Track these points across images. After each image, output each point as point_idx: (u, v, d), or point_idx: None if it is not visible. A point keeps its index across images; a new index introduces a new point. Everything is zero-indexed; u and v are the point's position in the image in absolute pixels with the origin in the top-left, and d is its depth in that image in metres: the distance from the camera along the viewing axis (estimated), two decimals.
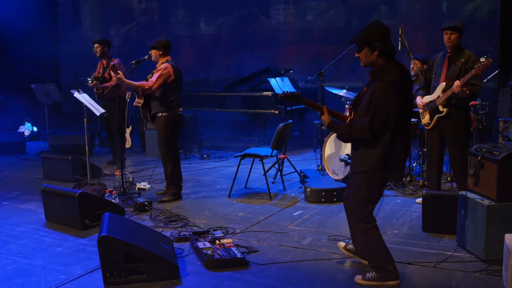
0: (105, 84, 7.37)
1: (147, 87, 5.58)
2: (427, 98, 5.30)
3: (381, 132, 3.39)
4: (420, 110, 5.39)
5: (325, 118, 3.60)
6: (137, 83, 5.62)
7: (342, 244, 4.12)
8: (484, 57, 4.75)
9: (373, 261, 3.64)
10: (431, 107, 5.23)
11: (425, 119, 5.35)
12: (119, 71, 5.60)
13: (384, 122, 3.36)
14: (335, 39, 10.54)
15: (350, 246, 4.04)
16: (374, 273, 3.62)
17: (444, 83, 5.11)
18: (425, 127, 5.42)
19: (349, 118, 3.65)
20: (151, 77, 5.69)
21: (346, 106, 6.91)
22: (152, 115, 5.79)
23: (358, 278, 3.68)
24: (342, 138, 3.62)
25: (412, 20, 9.94)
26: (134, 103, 5.81)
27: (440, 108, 5.14)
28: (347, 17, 10.82)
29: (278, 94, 3.66)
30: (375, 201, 3.68)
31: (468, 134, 5.26)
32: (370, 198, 3.61)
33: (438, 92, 5.17)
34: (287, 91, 3.66)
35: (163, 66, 5.67)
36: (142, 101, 5.74)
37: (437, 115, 5.18)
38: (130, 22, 13.59)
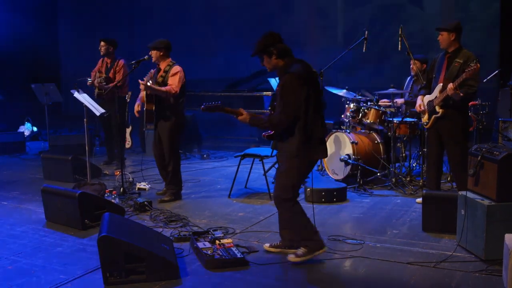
0: (110, 85, 7.33)
1: (173, 92, 5.61)
2: (427, 98, 5.32)
3: (294, 118, 3.76)
4: (418, 110, 5.41)
5: (244, 117, 3.93)
6: (164, 89, 5.61)
7: (266, 245, 4.22)
8: (474, 61, 4.79)
9: (302, 235, 3.96)
10: (430, 107, 5.26)
11: (424, 118, 5.38)
12: (148, 81, 5.58)
13: (295, 109, 3.75)
14: None
15: (275, 243, 4.22)
16: (302, 248, 3.92)
17: (441, 84, 5.13)
18: (424, 126, 5.44)
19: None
20: (162, 80, 5.67)
21: (346, 106, 6.91)
22: (158, 117, 5.76)
23: (291, 257, 3.94)
24: (265, 128, 3.98)
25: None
26: (145, 108, 5.73)
27: (437, 108, 5.17)
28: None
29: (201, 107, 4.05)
30: (301, 182, 4.07)
31: (466, 134, 5.27)
32: (296, 180, 3.96)
33: (436, 92, 5.21)
34: (207, 104, 3.96)
35: (178, 69, 5.68)
36: (154, 106, 5.70)
37: (434, 116, 5.21)
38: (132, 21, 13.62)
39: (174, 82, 5.63)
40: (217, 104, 3.93)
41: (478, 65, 4.75)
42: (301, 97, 3.77)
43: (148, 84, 5.54)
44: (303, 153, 3.85)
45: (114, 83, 7.26)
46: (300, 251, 3.94)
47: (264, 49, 3.87)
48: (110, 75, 7.47)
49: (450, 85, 4.91)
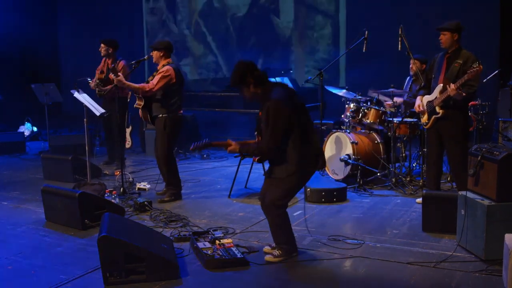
0: (108, 87, 7.32)
1: (147, 89, 5.58)
2: (426, 99, 5.33)
3: (282, 141, 3.83)
4: (417, 110, 5.41)
5: (233, 147, 3.99)
6: (137, 85, 5.62)
7: (269, 257, 4.13)
8: (476, 63, 4.79)
9: (282, 239, 4.06)
10: (429, 108, 5.26)
11: (424, 118, 5.38)
12: (119, 73, 5.60)
13: (282, 133, 3.80)
14: None
15: (276, 253, 4.14)
16: (278, 250, 4.04)
17: (441, 85, 5.13)
18: (424, 126, 5.44)
19: (257, 138, 4.08)
20: (152, 79, 5.69)
21: (346, 106, 6.91)
22: (152, 117, 5.79)
23: (269, 257, 4.04)
24: (256, 156, 4.01)
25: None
26: (134, 105, 5.81)
27: (437, 109, 5.17)
28: None
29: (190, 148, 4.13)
30: (294, 193, 4.13)
31: (466, 134, 5.27)
32: (289, 193, 4.02)
33: (436, 93, 5.20)
34: (195, 144, 4.02)
35: (165, 68, 5.65)
36: (142, 103, 5.73)
37: (433, 116, 5.21)
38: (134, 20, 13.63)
39: (153, 81, 5.62)
40: (205, 142, 3.99)
41: (481, 67, 4.75)
42: (287, 120, 3.82)
43: (118, 78, 5.58)
44: (302, 169, 3.92)
45: (112, 86, 7.28)
46: (276, 252, 4.06)
47: (240, 80, 3.91)
48: (110, 76, 7.45)
49: (452, 86, 4.91)
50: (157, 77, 5.62)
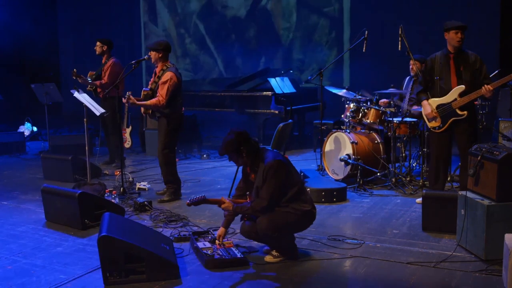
0: (94, 82, 7.37)
1: (160, 104, 5.62)
2: (435, 102, 5.22)
3: (278, 200, 3.90)
4: (430, 116, 5.24)
5: (226, 205, 4.00)
6: (149, 103, 5.65)
7: (270, 257, 4.13)
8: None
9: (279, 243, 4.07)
10: (444, 111, 5.16)
11: (433, 123, 5.25)
12: (131, 97, 5.61)
13: (278, 191, 3.88)
14: None
15: (277, 253, 4.15)
16: (276, 252, 4.08)
17: (463, 86, 5.05)
18: (434, 130, 5.29)
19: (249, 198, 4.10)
20: (155, 87, 5.68)
21: (346, 105, 6.91)
22: (157, 117, 5.81)
23: (269, 257, 4.06)
24: (249, 215, 4.05)
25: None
26: (142, 112, 5.88)
27: (459, 111, 5.08)
28: None
29: (187, 203, 4.13)
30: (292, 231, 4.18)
31: (477, 134, 5.29)
32: (290, 228, 4.06)
33: (454, 95, 5.09)
34: (192, 199, 4.05)
35: (169, 76, 5.63)
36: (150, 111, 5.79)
37: (453, 118, 5.13)
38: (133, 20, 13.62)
39: (162, 93, 5.61)
40: (201, 197, 4.03)
41: None
42: (283, 178, 3.90)
43: (131, 100, 5.61)
44: (303, 217, 4.00)
45: (102, 80, 7.30)
46: (276, 253, 4.08)
47: (235, 150, 3.97)
48: (102, 73, 7.49)
49: (489, 87, 4.87)
50: (163, 88, 5.60)
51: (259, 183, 3.94)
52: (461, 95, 5.07)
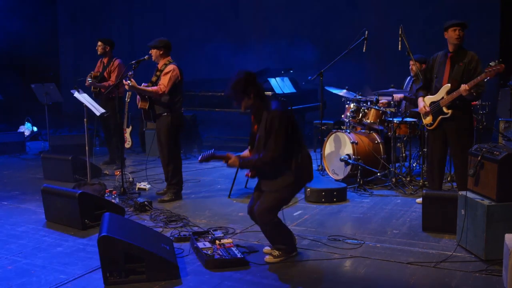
0: (102, 83, 7.37)
1: (160, 92, 5.60)
2: (429, 99, 5.28)
3: (284, 150, 3.83)
4: (423, 112, 5.34)
5: (233, 160, 3.92)
6: (150, 89, 5.62)
7: (270, 258, 4.14)
8: (495, 61, 4.74)
9: (278, 240, 4.07)
10: (434, 108, 5.21)
11: (427, 120, 5.32)
12: (131, 79, 5.58)
13: (283, 141, 3.82)
14: None
15: (277, 253, 4.16)
16: (277, 251, 4.07)
17: (449, 85, 5.08)
18: (427, 127, 5.39)
19: (250, 152, 4.07)
20: (156, 80, 5.68)
21: (346, 106, 6.91)
22: (155, 115, 5.78)
23: (269, 258, 4.06)
24: (256, 168, 3.97)
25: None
26: (139, 106, 5.79)
27: (445, 109, 5.11)
28: None
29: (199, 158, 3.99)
30: (286, 203, 4.20)
31: (472, 135, 5.27)
32: (282, 203, 4.06)
33: (442, 93, 5.14)
34: (203, 154, 3.95)
35: (171, 67, 5.65)
36: (147, 104, 5.73)
37: (440, 116, 5.16)
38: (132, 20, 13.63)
39: (164, 82, 5.62)
40: (210, 153, 3.95)
41: (503, 65, 4.71)
42: (287, 132, 3.86)
43: (131, 84, 5.54)
44: (297, 180, 3.97)
45: (109, 81, 7.29)
46: (276, 253, 4.08)
47: (243, 90, 3.89)
48: (105, 74, 7.48)
49: (465, 86, 4.86)
50: (165, 78, 5.61)
51: (261, 133, 3.86)
52: (448, 93, 5.09)
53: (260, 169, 3.98)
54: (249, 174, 4.07)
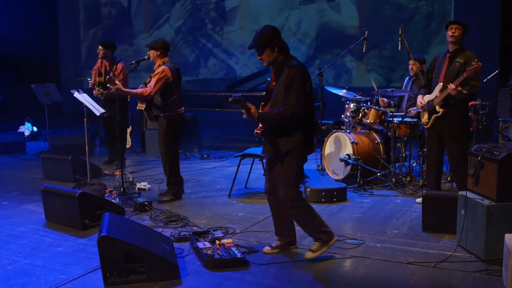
0: (111, 92, 7.30)
1: (146, 93, 5.59)
2: (427, 98, 5.30)
3: (304, 106, 3.80)
4: (419, 106, 5.39)
5: (254, 110, 3.84)
6: (136, 91, 5.65)
7: (267, 249, 4.21)
8: (475, 60, 4.78)
9: (312, 229, 4.05)
10: (430, 107, 5.24)
11: (424, 118, 5.36)
12: (116, 82, 5.63)
13: (304, 97, 3.80)
14: None
15: (274, 244, 4.25)
16: (316, 242, 4.02)
17: (441, 84, 5.12)
18: (424, 126, 5.42)
19: (262, 109, 4.01)
20: (149, 82, 5.69)
21: (346, 106, 6.91)
22: (154, 116, 5.80)
23: (308, 254, 4.02)
24: (274, 122, 3.87)
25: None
26: (137, 107, 5.80)
27: (437, 108, 5.15)
28: None
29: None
30: (302, 178, 4.11)
31: (466, 134, 5.26)
32: (297, 176, 4.01)
33: (436, 92, 5.18)
34: (234, 96, 3.82)
35: (160, 69, 5.63)
36: (144, 105, 5.74)
37: (434, 115, 5.19)
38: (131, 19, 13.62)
39: (151, 84, 5.62)
40: (238, 96, 3.81)
41: (480, 64, 4.73)
42: (306, 91, 3.84)
43: (117, 85, 5.60)
44: (306, 146, 3.93)
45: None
46: (314, 246, 4.02)
47: (268, 42, 3.86)
48: (110, 87, 7.44)
49: (452, 85, 4.89)
50: (153, 80, 5.62)
51: (280, 87, 3.83)
52: (441, 92, 5.12)
53: (275, 124, 3.88)
54: (258, 131, 4.01)
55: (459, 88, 4.86)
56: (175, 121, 5.76)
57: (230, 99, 3.81)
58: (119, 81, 7.09)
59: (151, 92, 5.58)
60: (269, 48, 3.88)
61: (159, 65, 5.71)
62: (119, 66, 7.34)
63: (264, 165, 4.15)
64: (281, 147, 3.92)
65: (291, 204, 3.99)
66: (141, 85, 5.75)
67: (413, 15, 10.37)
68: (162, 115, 5.72)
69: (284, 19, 11.85)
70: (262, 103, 4.04)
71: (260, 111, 3.95)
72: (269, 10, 12.04)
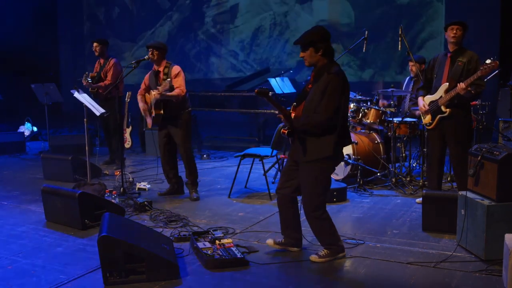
0: (98, 84, 7.38)
1: (183, 93, 5.73)
2: (428, 98, 5.27)
3: (333, 119, 3.76)
4: (422, 111, 5.34)
5: (286, 112, 3.80)
6: (175, 93, 5.67)
7: (270, 241, 4.24)
8: (490, 59, 4.74)
9: (326, 241, 4.04)
10: (433, 107, 5.21)
11: (426, 119, 5.31)
12: (158, 88, 5.59)
13: (337, 105, 3.74)
14: None
15: (279, 240, 4.24)
16: (325, 250, 4.03)
17: (447, 84, 5.09)
18: (426, 127, 5.39)
19: (293, 114, 3.93)
20: (164, 83, 5.69)
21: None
22: (170, 117, 5.78)
23: (314, 257, 4.01)
24: (308, 128, 3.80)
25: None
26: (154, 113, 5.74)
27: (443, 108, 5.11)
28: None
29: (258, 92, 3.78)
30: (329, 187, 4.12)
31: (470, 135, 5.26)
32: (326, 185, 4.00)
33: (440, 92, 5.15)
34: (260, 88, 3.81)
35: (178, 68, 5.77)
36: (162, 109, 5.74)
37: (439, 116, 5.16)
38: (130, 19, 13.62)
39: (181, 84, 5.72)
40: (265, 89, 3.79)
41: (497, 62, 4.72)
42: (342, 99, 3.78)
43: (157, 92, 5.58)
44: (337, 155, 3.88)
45: (105, 81, 7.30)
46: (322, 252, 4.03)
47: (316, 41, 3.79)
48: (102, 74, 7.50)
49: (462, 85, 4.86)
50: (179, 79, 5.72)
51: (316, 92, 3.76)
52: (447, 92, 5.10)
53: (308, 130, 3.80)
54: (285, 131, 3.90)
55: (469, 88, 4.86)
56: (190, 116, 5.96)
57: (256, 90, 3.77)
58: (110, 77, 7.15)
59: (184, 91, 5.74)
60: (313, 48, 3.81)
61: (167, 67, 5.78)
62: (111, 62, 7.47)
63: (282, 167, 4.10)
64: (312, 154, 3.85)
65: (313, 214, 3.97)
66: (176, 90, 5.67)
67: (408, 13, 10.37)
68: (182, 112, 5.82)
69: (282, 17, 11.85)
70: (295, 103, 3.97)
71: (292, 112, 3.92)
72: (267, 8, 12.03)
